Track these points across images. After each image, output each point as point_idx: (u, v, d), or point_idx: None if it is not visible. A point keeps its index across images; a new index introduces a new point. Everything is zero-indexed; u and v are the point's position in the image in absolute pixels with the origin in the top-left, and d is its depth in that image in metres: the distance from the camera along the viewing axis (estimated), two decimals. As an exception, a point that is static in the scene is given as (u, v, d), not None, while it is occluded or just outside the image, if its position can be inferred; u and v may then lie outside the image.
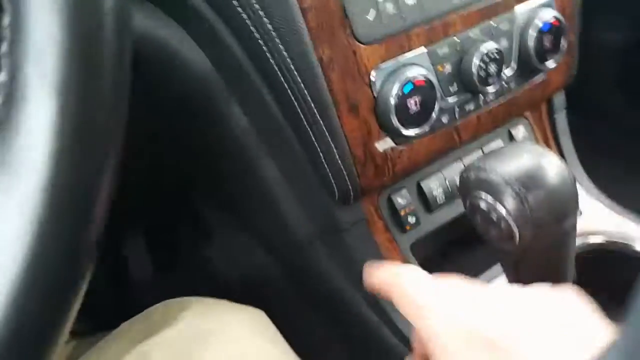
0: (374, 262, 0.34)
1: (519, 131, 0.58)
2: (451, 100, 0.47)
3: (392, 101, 0.43)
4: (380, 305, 0.51)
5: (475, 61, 0.46)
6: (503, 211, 0.37)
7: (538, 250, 0.38)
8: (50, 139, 0.17)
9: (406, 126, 0.44)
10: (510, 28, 0.49)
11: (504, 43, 0.49)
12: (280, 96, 0.42)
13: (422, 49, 0.45)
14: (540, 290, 0.30)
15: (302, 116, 0.43)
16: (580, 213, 0.61)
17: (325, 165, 0.44)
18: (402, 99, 0.43)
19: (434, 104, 0.45)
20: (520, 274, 0.41)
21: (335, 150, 0.43)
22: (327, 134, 0.43)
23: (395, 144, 0.46)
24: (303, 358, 0.45)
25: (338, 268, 0.51)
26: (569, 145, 0.60)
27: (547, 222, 0.37)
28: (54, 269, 0.17)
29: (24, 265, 0.16)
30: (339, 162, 0.44)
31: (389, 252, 0.50)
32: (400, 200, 0.51)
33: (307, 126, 0.43)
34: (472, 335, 0.26)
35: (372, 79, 0.43)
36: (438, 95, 0.45)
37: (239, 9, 0.40)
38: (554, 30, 0.49)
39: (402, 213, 0.51)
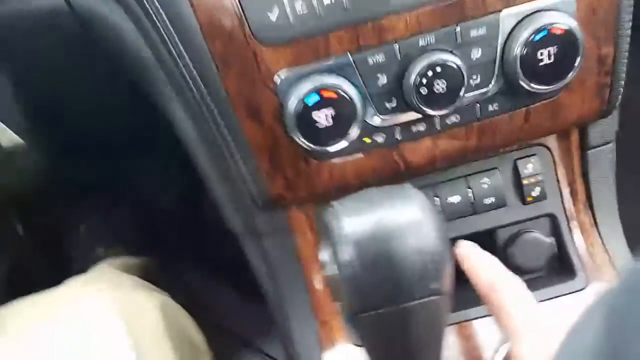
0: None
1: (527, 166, 0.45)
2: (388, 118, 0.39)
3: (293, 112, 0.38)
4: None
5: (413, 75, 0.37)
6: (336, 272, 0.31)
7: (375, 332, 0.31)
8: None
9: (315, 141, 0.39)
10: (487, 35, 0.37)
11: (477, 54, 0.38)
12: (180, 90, 0.41)
13: (347, 56, 0.38)
14: None
15: (206, 115, 0.41)
16: None
17: (235, 169, 0.42)
18: (306, 110, 0.38)
19: (352, 120, 0.38)
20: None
21: (237, 155, 0.41)
22: (228, 137, 0.40)
23: (314, 158, 0.41)
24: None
25: (263, 266, 0.49)
26: (605, 196, 0.44)
27: (378, 300, 0.30)
28: None
29: None
30: (243, 168, 0.41)
31: (312, 267, 0.47)
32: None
33: (211, 125, 0.41)
34: None
35: (277, 84, 0.38)
36: (359, 109, 0.38)
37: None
38: (554, 41, 0.36)
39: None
